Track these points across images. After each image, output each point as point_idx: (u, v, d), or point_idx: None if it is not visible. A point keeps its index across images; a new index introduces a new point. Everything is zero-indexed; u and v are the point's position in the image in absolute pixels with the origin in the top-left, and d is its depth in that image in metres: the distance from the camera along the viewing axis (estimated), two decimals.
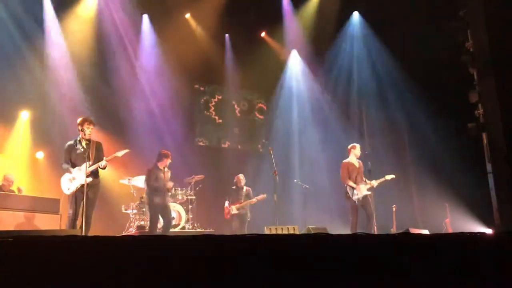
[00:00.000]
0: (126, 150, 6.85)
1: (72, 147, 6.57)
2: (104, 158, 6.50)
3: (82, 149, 6.49)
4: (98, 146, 6.66)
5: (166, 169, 7.95)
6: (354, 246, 3.21)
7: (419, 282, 3.04)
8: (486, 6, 7.18)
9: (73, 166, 6.51)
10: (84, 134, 6.49)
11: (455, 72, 8.55)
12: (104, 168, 6.54)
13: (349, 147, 8.51)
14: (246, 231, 9.09)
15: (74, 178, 6.40)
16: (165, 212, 7.91)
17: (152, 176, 7.85)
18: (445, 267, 3.12)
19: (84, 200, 6.18)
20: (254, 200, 9.35)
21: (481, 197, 8.12)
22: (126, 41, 10.80)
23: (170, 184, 8.00)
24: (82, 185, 6.29)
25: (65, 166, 6.52)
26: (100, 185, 6.71)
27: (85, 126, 6.50)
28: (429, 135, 10.37)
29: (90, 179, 6.35)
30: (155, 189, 7.78)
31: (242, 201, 9.35)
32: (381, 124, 11.55)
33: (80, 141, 6.56)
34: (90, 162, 6.38)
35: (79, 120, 6.61)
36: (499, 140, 6.90)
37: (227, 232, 9.14)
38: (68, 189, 6.42)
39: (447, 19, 8.57)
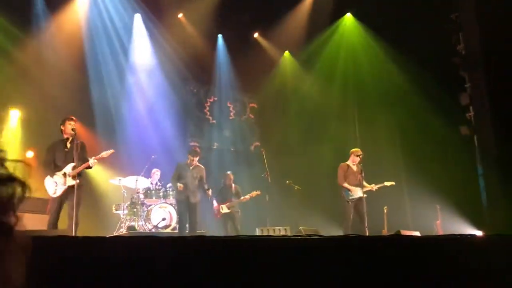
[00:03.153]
0: (112, 151, 6.82)
1: (56, 147, 6.49)
2: (90, 158, 6.39)
3: (66, 150, 6.44)
4: (82, 146, 6.53)
5: (192, 167, 8.17)
6: (346, 247, 3.21)
7: (409, 282, 3.04)
8: (478, 10, 7.24)
9: (57, 166, 6.41)
10: (68, 132, 6.41)
11: (447, 74, 8.60)
12: (90, 168, 6.48)
13: (351, 151, 8.66)
14: (240, 230, 9.03)
15: (59, 182, 6.30)
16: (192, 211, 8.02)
17: (175, 174, 8.09)
18: (436, 268, 3.13)
19: (74, 201, 6.12)
20: (247, 197, 9.19)
21: (471, 199, 8.17)
22: (117, 40, 10.74)
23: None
24: (68, 187, 6.26)
25: (48, 168, 6.38)
26: (85, 186, 6.58)
27: (67, 124, 6.43)
28: (421, 137, 10.41)
29: (75, 181, 6.29)
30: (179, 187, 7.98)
31: (233, 199, 9.22)
32: (373, 126, 11.58)
33: (64, 141, 6.50)
34: (74, 164, 6.32)
35: (60, 121, 6.56)
36: (490, 143, 6.96)
37: (219, 232, 9.09)
38: (54, 192, 6.31)
39: (440, 22, 8.64)
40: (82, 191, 6.45)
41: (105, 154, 6.70)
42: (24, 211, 7.10)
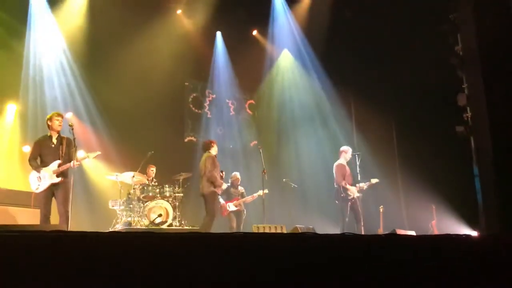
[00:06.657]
0: (98, 152, 6.80)
1: (42, 143, 6.44)
2: (74, 160, 6.31)
3: (53, 146, 6.39)
4: (69, 143, 6.47)
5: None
6: (341, 246, 3.22)
7: (404, 282, 3.05)
8: (476, 10, 7.23)
9: (42, 162, 6.38)
10: (55, 128, 6.37)
11: (445, 74, 8.60)
12: (78, 164, 6.44)
13: (341, 149, 8.65)
14: (242, 228, 9.05)
15: (44, 177, 6.27)
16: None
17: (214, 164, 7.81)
18: (431, 268, 3.14)
19: (61, 198, 6.13)
20: (255, 195, 9.15)
21: (467, 199, 8.19)
22: (116, 36, 10.68)
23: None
24: (52, 184, 6.24)
25: (34, 163, 6.37)
26: (70, 184, 6.41)
27: (54, 120, 6.38)
28: (417, 137, 10.42)
29: (59, 179, 6.26)
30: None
31: (239, 198, 9.15)
32: (369, 125, 11.59)
33: (50, 137, 6.45)
34: (60, 161, 6.30)
35: (47, 116, 6.52)
36: (486, 144, 6.95)
37: (217, 230, 9.04)
38: (37, 188, 6.29)
39: (438, 22, 8.63)
40: (69, 188, 6.36)
41: (91, 155, 6.67)
42: (8, 204, 7.10)
